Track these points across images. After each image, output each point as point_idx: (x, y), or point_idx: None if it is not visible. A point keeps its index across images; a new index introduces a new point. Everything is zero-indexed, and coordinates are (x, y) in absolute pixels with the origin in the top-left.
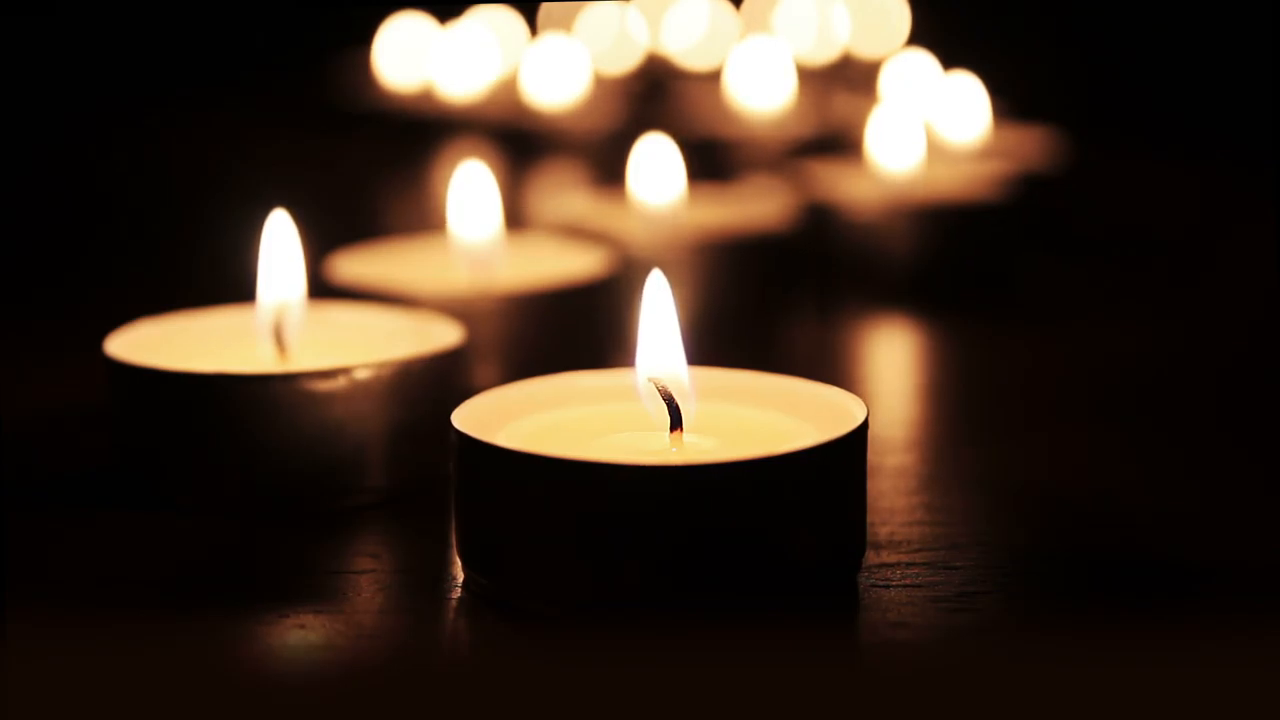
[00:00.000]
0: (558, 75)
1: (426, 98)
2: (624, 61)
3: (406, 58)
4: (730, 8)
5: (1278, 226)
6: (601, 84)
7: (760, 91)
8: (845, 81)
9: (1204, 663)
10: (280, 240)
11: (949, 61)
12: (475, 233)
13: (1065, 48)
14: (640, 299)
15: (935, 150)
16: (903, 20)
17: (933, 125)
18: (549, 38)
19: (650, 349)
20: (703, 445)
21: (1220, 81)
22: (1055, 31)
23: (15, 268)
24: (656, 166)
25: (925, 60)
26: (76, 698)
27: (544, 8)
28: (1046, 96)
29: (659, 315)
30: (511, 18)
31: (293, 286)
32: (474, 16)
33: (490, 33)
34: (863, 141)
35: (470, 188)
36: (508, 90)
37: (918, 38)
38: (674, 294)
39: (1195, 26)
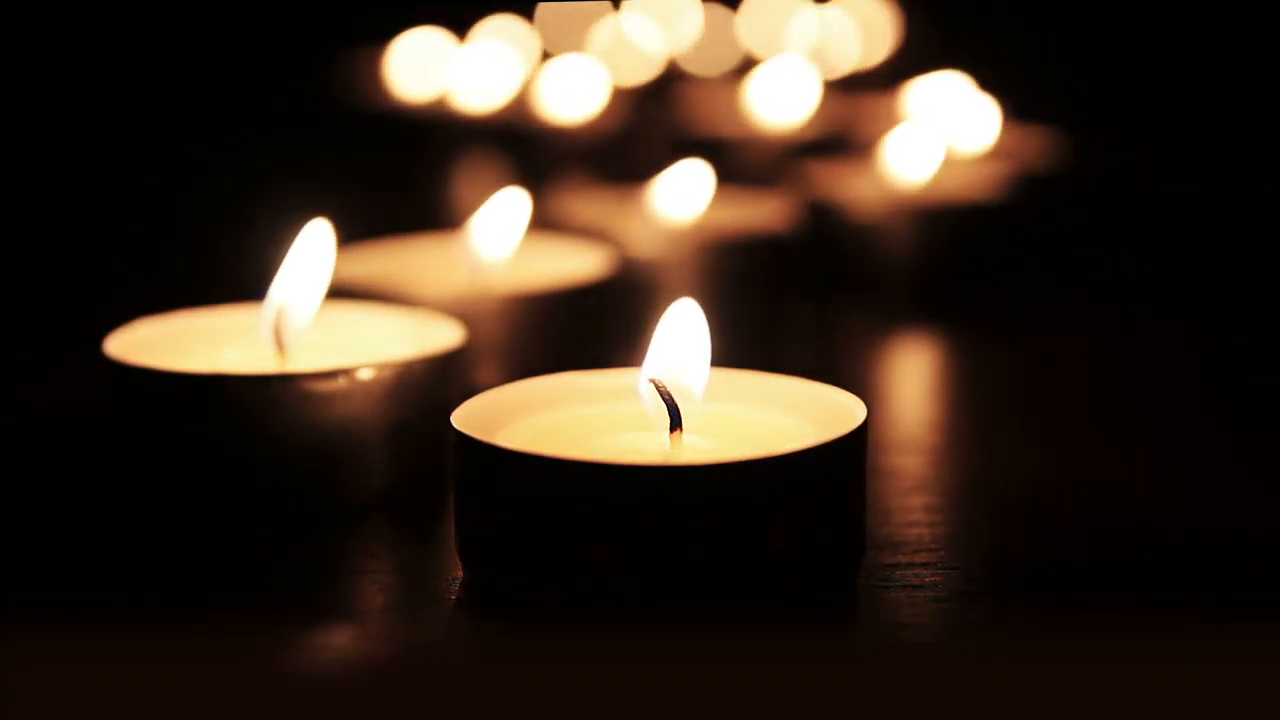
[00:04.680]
0: (563, 81)
1: (439, 105)
2: (626, 65)
3: (421, 70)
4: (731, 13)
5: (1279, 227)
6: (602, 87)
7: (764, 94)
8: (848, 84)
9: (1203, 663)
10: (308, 246)
11: (948, 61)
12: (477, 233)
13: (1065, 48)
14: (660, 314)
15: (950, 161)
16: (900, 22)
17: (950, 137)
18: (551, 40)
19: (662, 354)
20: (702, 445)
21: (1222, 82)
22: (1055, 32)
23: (15, 268)
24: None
25: (948, 79)
26: (74, 701)
27: (542, 8)
28: (1046, 97)
29: (682, 332)
30: (520, 25)
31: (305, 290)
32: (487, 27)
33: (499, 41)
34: (866, 143)
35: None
36: (516, 94)
37: (916, 39)
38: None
39: (1196, 26)
